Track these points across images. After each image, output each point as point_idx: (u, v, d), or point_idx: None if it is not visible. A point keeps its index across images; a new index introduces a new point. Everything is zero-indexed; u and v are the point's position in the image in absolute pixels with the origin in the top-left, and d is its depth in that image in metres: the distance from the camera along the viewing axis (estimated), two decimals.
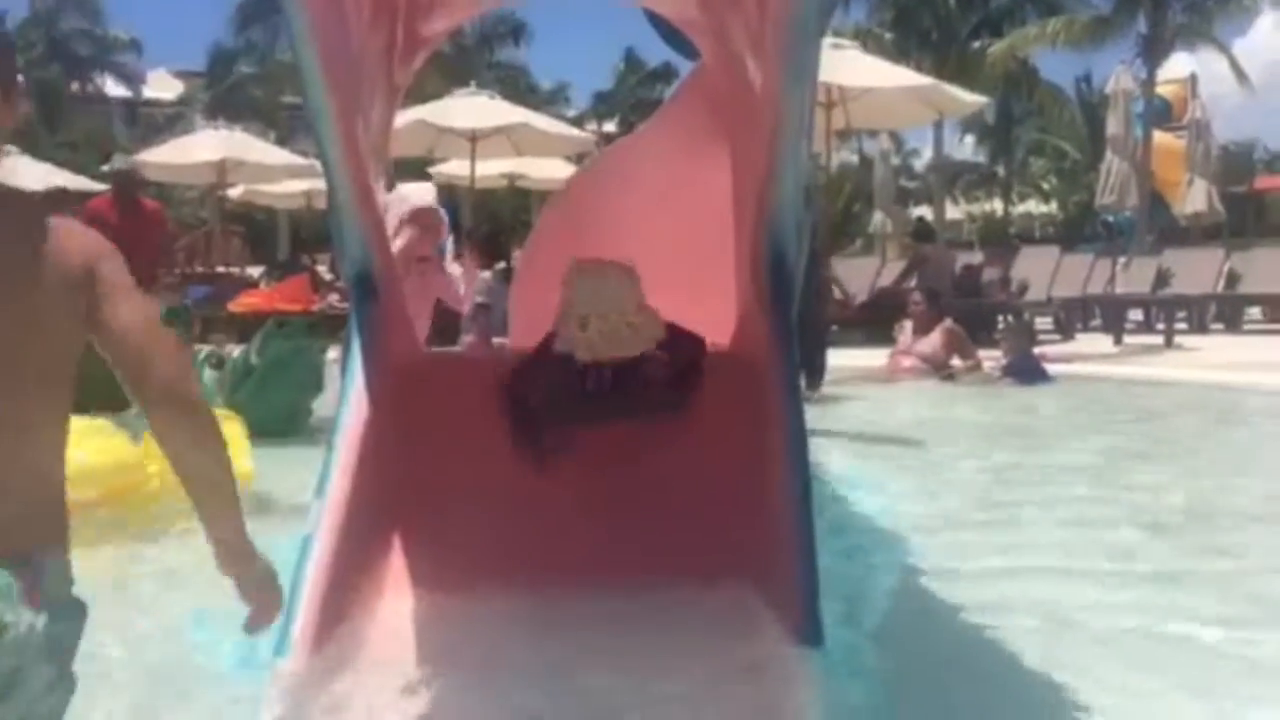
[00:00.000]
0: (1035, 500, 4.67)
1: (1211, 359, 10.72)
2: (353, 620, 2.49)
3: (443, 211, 3.95)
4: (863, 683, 2.44)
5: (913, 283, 13.41)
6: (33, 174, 17.42)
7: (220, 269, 20.69)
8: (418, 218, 3.80)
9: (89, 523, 4.18)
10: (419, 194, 3.99)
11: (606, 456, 2.98)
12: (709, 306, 3.76)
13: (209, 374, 6.42)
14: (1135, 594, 3.33)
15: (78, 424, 4.77)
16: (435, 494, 2.88)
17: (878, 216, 20.70)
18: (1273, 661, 2.73)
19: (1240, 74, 25.24)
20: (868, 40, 23.07)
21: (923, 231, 16.39)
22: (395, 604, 2.60)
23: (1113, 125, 17.08)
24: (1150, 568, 3.63)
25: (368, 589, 2.64)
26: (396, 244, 3.84)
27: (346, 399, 2.98)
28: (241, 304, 13.69)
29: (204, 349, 7.29)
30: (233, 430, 4.64)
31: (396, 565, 2.73)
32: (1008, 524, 4.29)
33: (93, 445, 4.47)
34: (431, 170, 19.42)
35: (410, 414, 3.04)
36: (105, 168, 18.98)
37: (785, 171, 2.95)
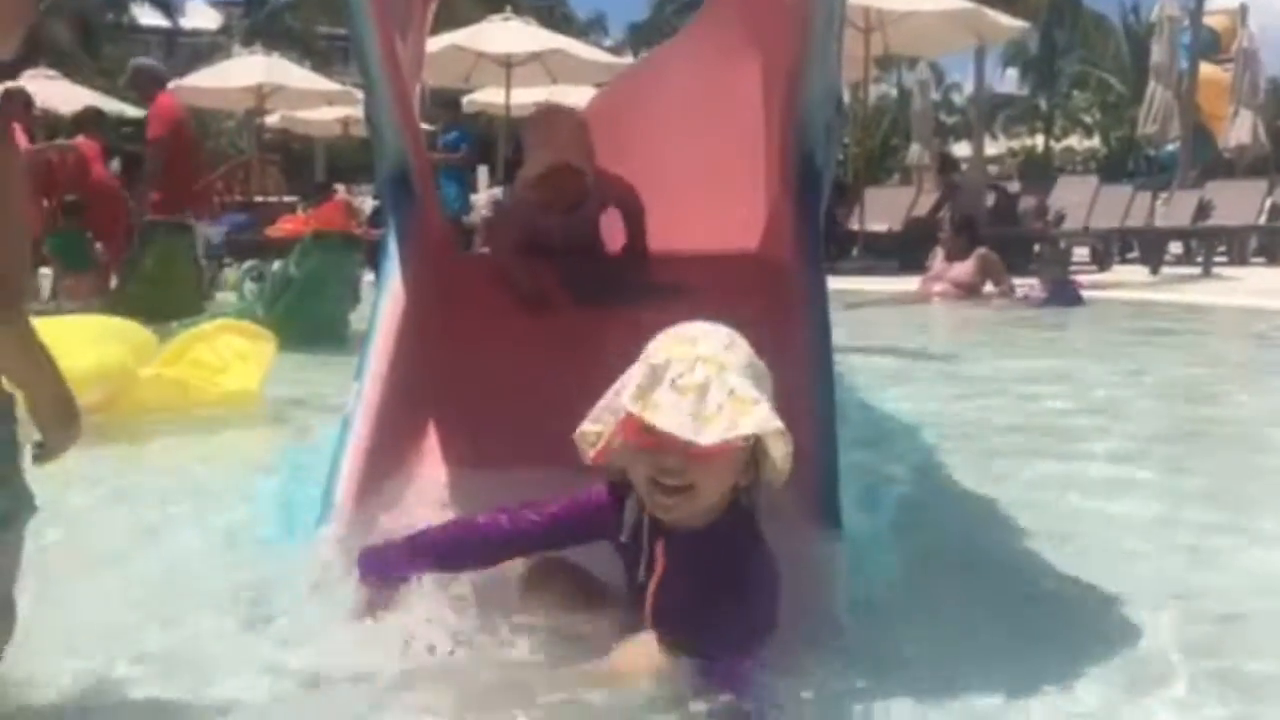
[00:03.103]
0: (1055, 404, 4.79)
1: (1249, 287, 10.65)
2: (388, 493, 2.61)
3: None
4: (881, 565, 2.52)
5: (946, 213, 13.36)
6: (68, 97, 17.51)
7: (259, 198, 20.83)
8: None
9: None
10: None
11: (629, 346, 3.06)
12: (738, 214, 3.82)
13: (250, 286, 6.57)
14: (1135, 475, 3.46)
15: (91, 326, 4.71)
16: (465, 381, 2.98)
17: (915, 149, 20.48)
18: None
19: None
20: None
21: (947, 163, 16.22)
22: (428, 480, 2.71)
23: (1157, 54, 16.77)
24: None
25: (402, 466, 2.75)
26: None
27: (383, 291, 3.07)
28: (279, 229, 13.83)
29: (246, 264, 7.44)
30: (262, 349, 4.69)
31: (429, 445, 2.84)
32: (1026, 423, 4.41)
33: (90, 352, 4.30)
34: (467, 98, 19.40)
35: (442, 307, 3.14)
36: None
37: (814, 71, 2.99)
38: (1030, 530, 2.83)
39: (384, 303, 3.05)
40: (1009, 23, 16.14)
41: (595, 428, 1.91)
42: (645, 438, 1.79)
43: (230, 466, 3.67)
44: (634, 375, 1.85)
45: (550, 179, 3.37)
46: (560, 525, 2.07)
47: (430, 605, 2.03)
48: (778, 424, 1.80)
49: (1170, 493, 3.25)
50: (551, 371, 3.01)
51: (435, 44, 14.19)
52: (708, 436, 1.74)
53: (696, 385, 1.77)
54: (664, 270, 3.46)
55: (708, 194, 4.17)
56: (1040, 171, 19.94)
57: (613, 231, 3.68)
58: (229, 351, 4.63)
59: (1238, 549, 2.76)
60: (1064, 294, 9.37)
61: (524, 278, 3.34)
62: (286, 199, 21.25)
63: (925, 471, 3.39)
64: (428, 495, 2.59)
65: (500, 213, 3.82)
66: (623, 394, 1.84)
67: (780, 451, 1.84)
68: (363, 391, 2.77)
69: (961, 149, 30.31)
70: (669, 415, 1.75)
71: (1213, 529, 2.90)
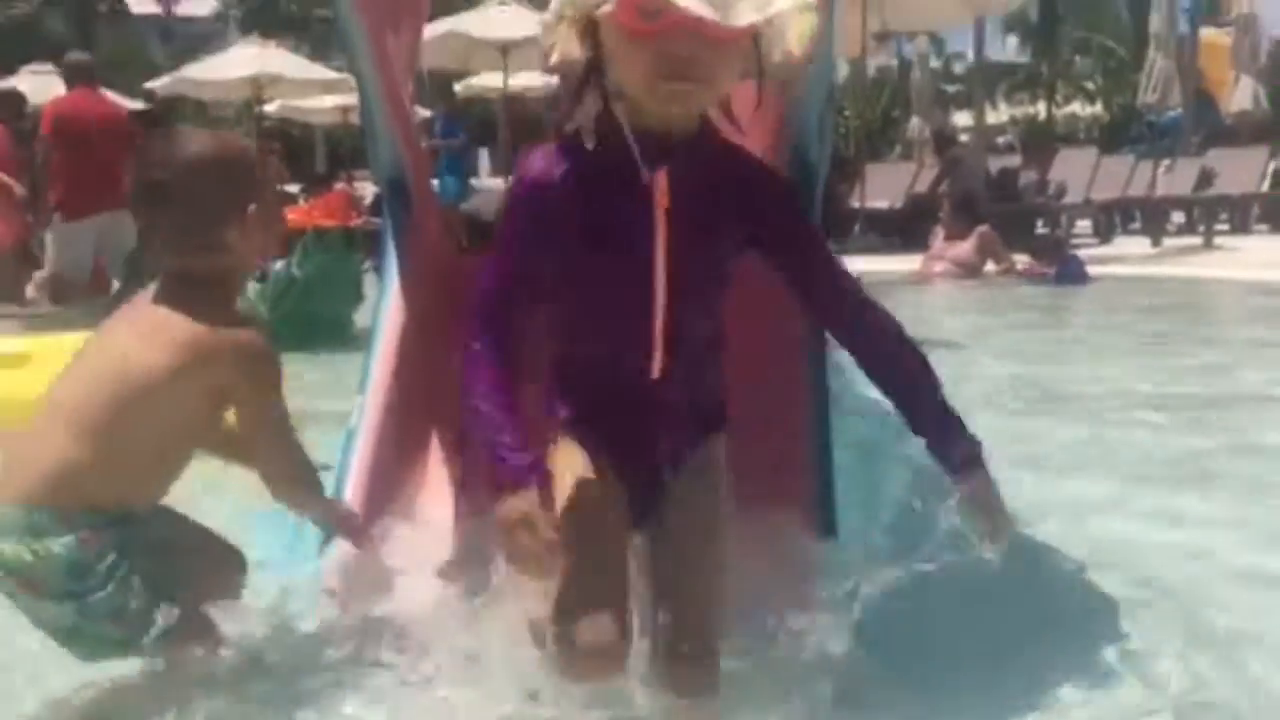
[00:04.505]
0: (1061, 390, 4.79)
1: (1251, 259, 10.62)
2: (393, 515, 2.63)
3: None
4: (876, 571, 2.50)
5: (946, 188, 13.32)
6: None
7: None
8: None
9: None
10: None
11: None
12: None
13: (252, 286, 6.58)
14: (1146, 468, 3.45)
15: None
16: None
17: (915, 121, 20.39)
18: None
19: None
20: None
21: (942, 138, 16.17)
22: (433, 500, 2.73)
23: (1155, 21, 16.62)
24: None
25: (408, 484, 2.77)
26: None
27: (384, 300, 3.10)
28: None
29: None
30: None
31: (435, 461, 2.86)
32: (1033, 411, 4.44)
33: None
34: (464, 82, 19.33)
35: (445, 314, 3.15)
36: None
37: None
38: (1037, 544, 2.69)
39: (385, 310, 3.08)
40: None
41: (570, 11, 1.49)
42: (647, 22, 1.43)
43: (229, 485, 3.66)
44: None
45: None
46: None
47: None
48: None
49: (1196, 514, 3.12)
50: None
51: (433, 29, 14.16)
52: (740, 16, 1.38)
53: None
54: None
55: None
56: (1042, 143, 19.82)
57: None
58: None
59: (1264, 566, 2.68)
60: (1071, 272, 9.36)
61: None
62: (289, 188, 21.21)
63: (925, 472, 3.35)
64: (429, 521, 2.60)
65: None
66: None
67: (800, 29, 1.46)
68: (366, 404, 2.80)
69: (964, 118, 30.14)
70: None
71: (1236, 544, 2.81)
